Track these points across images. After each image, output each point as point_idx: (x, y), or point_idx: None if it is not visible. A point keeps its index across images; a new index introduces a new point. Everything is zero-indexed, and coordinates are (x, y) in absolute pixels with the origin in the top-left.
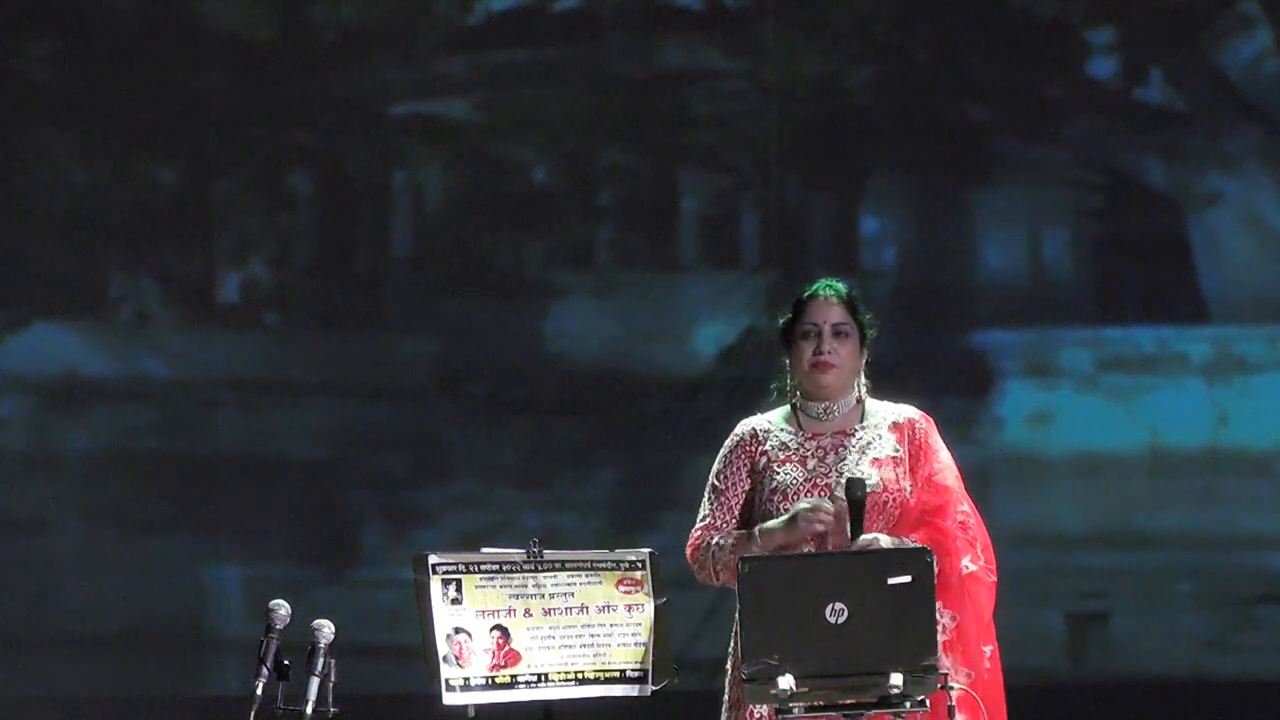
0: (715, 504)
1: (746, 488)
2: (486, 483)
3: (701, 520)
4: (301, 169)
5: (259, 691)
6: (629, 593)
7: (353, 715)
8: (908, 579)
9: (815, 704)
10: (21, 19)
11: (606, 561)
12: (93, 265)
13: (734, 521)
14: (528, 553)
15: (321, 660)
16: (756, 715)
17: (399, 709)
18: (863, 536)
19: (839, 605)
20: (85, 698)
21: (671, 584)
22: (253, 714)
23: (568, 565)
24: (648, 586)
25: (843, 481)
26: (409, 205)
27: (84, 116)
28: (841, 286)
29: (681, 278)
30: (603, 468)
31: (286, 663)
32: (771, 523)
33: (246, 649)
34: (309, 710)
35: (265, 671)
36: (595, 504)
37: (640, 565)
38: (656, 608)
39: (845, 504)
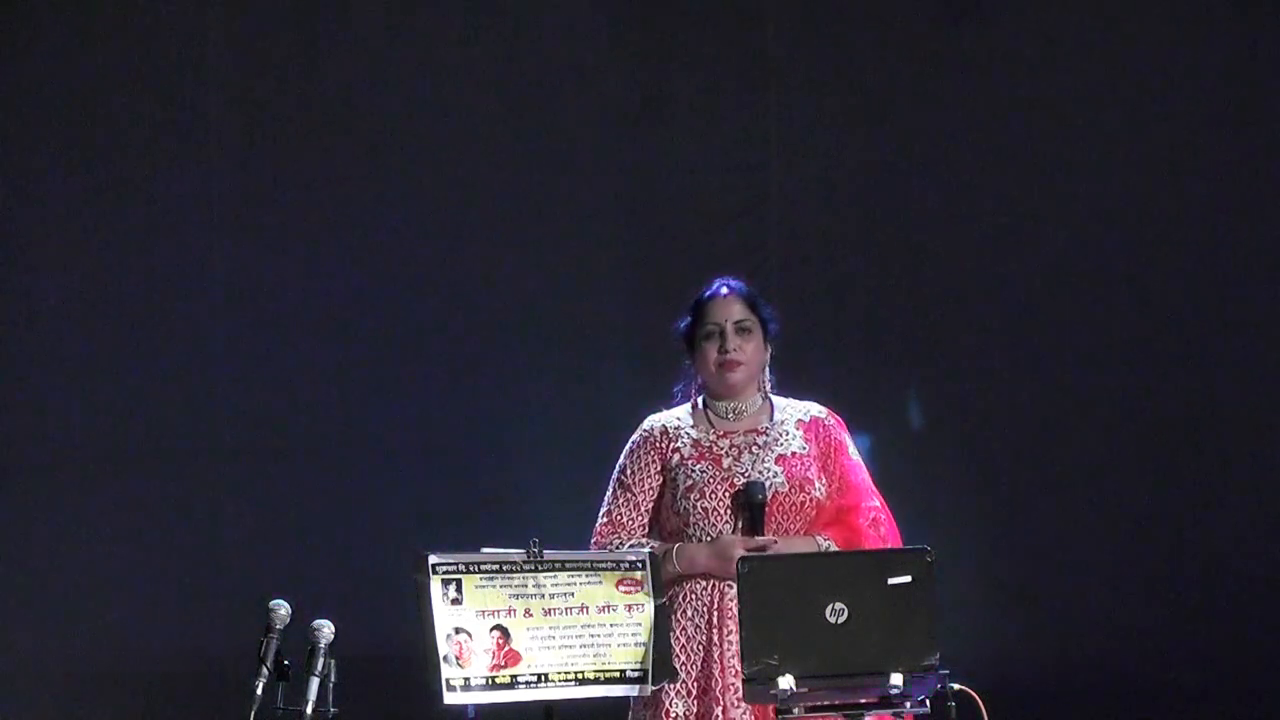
0: (622, 501)
1: (657, 484)
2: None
3: (605, 516)
4: None
5: (259, 691)
6: (629, 593)
7: (353, 715)
8: (908, 579)
9: (815, 704)
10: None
11: (606, 562)
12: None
13: (643, 520)
14: (528, 553)
15: (321, 660)
16: (673, 715)
17: (399, 709)
18: (758, 539)
19: (839, 605)
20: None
21: None
22: (253, 714)
23: (568, 565)
24: (648, 586)
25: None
26: None
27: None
28: (740, 284)
29: None
30: None
31: (286, 663)
32: (694, 548)
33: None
34: (309, 710)
35: (265, 671)
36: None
37: (640, 565)
38: (656, 608)
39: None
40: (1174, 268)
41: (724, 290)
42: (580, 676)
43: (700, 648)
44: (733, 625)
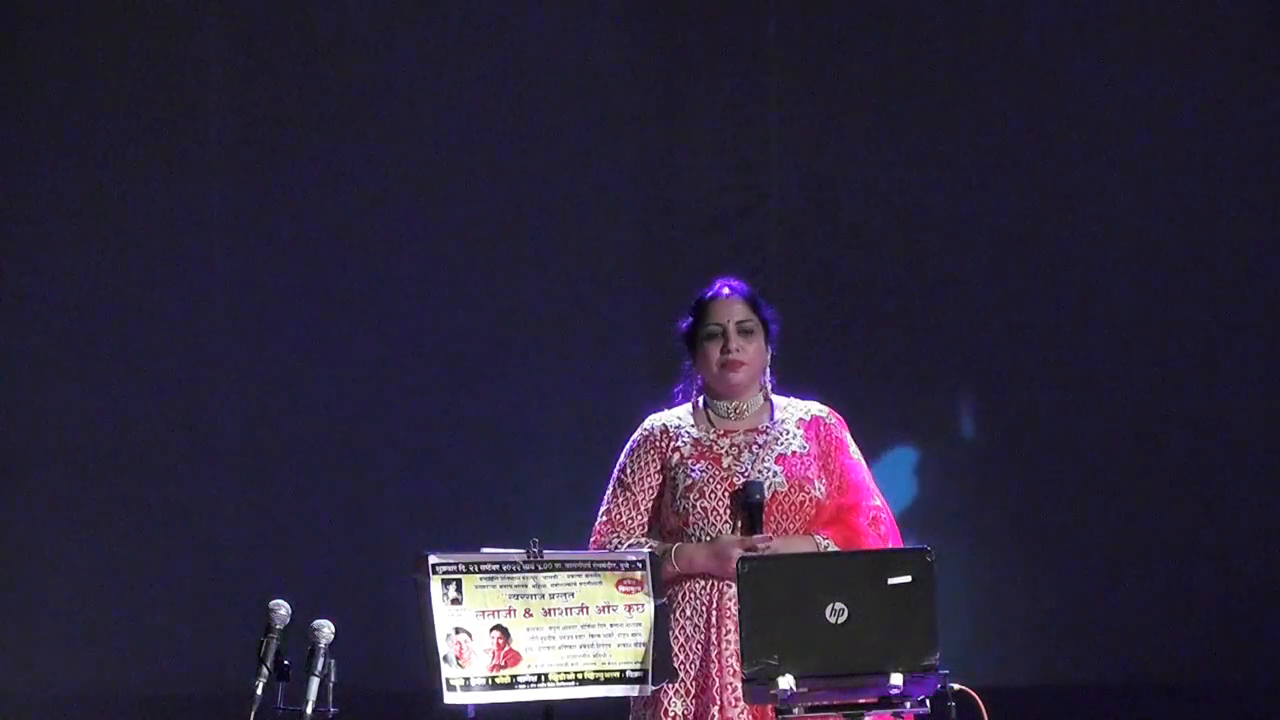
0: (622, 500)
1: (656, 483)
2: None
3: (604, 515)
4: None
5: (259, 691)
6: (629, 593)
7: (353, 715)
8: (908, 579)
9: (815, 704)
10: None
11: (606, 562)
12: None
13: (642, 519)
14: (528, 553)
15: (321, 660)
16: (672, 715)
17: (399, 708)
18: (756, 538)
19: (839, 605)
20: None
21: None
22: (252, 714)
23: (568, 565)
24: (648, 586)
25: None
26: None
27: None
28: (742, 284)
29: None
30: None
31: (286, 663)
32: (693, 548)
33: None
34: (309, 710)
35: (265, 671)
36: None
37: (640, 565)
38: (656, 608)
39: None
40: (1176, 267)
41: (725, 291)
42: (580, 677)
43: (699, 647)
44: (731, 625)
